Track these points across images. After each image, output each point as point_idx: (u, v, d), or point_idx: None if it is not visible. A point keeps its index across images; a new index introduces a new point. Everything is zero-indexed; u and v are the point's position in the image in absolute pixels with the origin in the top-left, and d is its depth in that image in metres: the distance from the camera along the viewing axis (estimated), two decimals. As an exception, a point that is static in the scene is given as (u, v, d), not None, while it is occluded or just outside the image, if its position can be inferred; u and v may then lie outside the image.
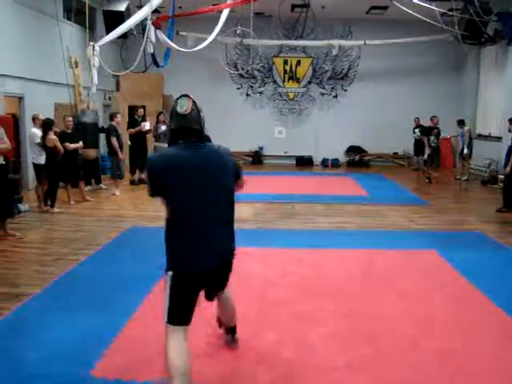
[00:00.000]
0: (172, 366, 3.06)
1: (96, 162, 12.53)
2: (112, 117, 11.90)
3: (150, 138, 13.57)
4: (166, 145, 12.31)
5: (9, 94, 11.25)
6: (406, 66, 18.26)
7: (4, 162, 7.57)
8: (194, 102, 3.16)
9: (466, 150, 14.56)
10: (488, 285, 5.66)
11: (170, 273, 3.13)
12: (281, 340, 4.28)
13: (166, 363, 3.11)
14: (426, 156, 14.39)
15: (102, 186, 12.44)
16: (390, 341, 4.29)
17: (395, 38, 16.29)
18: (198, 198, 3.08)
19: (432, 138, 14.22)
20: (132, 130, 12.82)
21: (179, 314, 3.16)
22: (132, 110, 14.27)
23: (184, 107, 3.12)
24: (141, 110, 13.31)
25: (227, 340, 4.13)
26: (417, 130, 15.78)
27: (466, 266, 6.34)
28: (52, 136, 9.42)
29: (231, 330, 4.08)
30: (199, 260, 3.11)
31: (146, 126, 12.90)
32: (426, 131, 14.55)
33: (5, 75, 10.86)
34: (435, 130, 14.25)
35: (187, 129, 3.13)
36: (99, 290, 5.43)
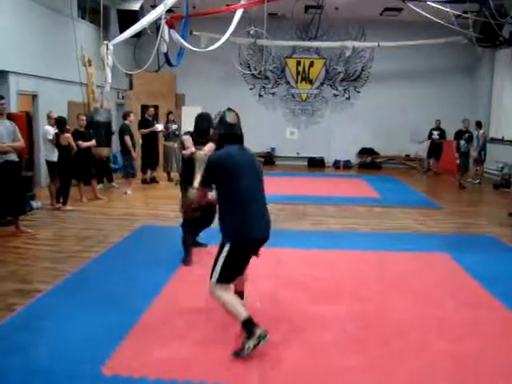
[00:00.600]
0: (233, 303, 4.06)
1: (108, 160, 12.60)
2: (125, 116, 11.96)
3: (160, 137, 13.68)
4: (175, 144, 12.37)
5: (23, 91, 11.33)
6: (420, 69, 18.15)
7: (18, 159, 7.62)
8: (236, 114, 4.22)
9: (475, 154, 14.36)
10: (500, 288, 5.62)
11: (229, 244, 3.99)
12: (292, 341, 4.28)
13: (228, 308, 4.05)
14: (458, 161, 13.91)
15: (114, 184, 12.49)
16: (401, 343, 4.28)
17: (409, 39, 16.20)
18: (251, 185, 4.05)
19: (462, 142, 13.77)
20: (145, 130, 12.88)
21: (231, 275, 4.12)
22: (145, 109, 14.35)
23: (232, 118, 4.17)
24: (151, 110, 13.45)
25: None
26: (436, 133, 15.70)
27: (477, 269, 6.30)
28: (66, 134, 9.49)
29: (240, 295, 4.59)
30: (259, 231, 4.07)
31: (159, 127, 13.09)
32: (456, 135, 14.13)
33: (19, 73, 10.93)
34: (466, 134, 13.88)
35: (234, 135, 4.16)
36: (111, 287, 5.45)
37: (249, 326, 3.94)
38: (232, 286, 4.30)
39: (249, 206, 3.99)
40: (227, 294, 4.11)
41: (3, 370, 3.67)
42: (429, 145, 16.19)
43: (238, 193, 3.96)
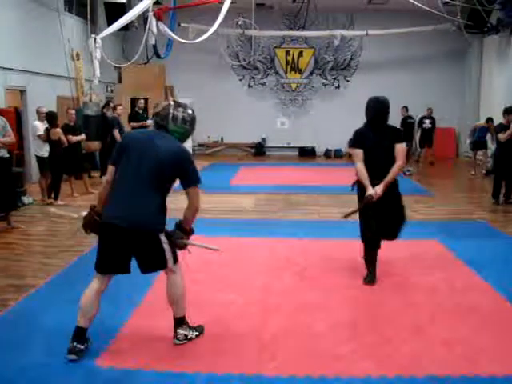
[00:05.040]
0: (83, 301, 3.85)
1: (100, 153, 12.55)
2: (113, 108, 11.86)
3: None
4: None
5: (11, 86, 11.25)
6: (408, 56, 18.19)
7: (8, 155, 7.59)
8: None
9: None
10: (491, 274, 5.66)
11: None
12: (285, 329, 4.30)
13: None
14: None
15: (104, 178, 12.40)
16: (393, 329, 4.31)
17: (397, 28, 16.23)
18: (135, 171, 3.73)
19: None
20: (135, 124, 12.83)
21: (98, 259, 3.87)
22: (134, 101, 14.28)
23: (157, 107, 4.04)
24: (141, 102, 13.37)
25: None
26: (427, 121, 15.58)
27: (469, 255, 6.34)
28: (57, 129, 9.45)
29: (175, 322, 4.06)
30: (115, 212, 3.75)
31: (149, 121, 13.05)
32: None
33: (6, 68, 10.85)
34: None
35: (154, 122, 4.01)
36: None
37: (76, 331, 3.78)
38: (100, 287, 3.85)
39: (121, 187, 3.76)
40: (89, 288, 3.85)
41: (-2, 365, 3.68)
42: (420, 134, 15.97)
43: (120, 172, 3.78)
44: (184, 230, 3.89)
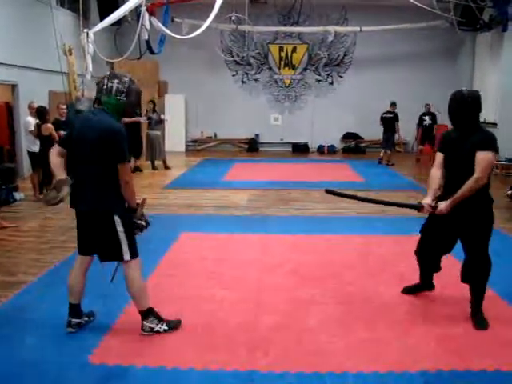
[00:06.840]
0: (69, 282, 4.20)
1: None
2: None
3: (143, 125, 13.68)
4: (158, 132, 12.25)
5: (2, 81, 11.17)
6: (402, 53, 18.19)
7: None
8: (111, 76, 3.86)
9: None
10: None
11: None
12: (278, 325, 4.30)
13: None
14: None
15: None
16: (387, 325, 4.32)
17: (391, 24, 16.20)
18: (79, 154, 3.93)
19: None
20: (127, 119, 12.76)
21: (77, 241, 4.15)
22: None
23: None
24: None
25: None
26: (427, 118, 15.52)
27: (460, 251, 6.34)
28: (48, 124, 9.38)
29: (140, 314, 4.12)
30: (76, 199, 4.01)
31: (141, 119, 13.04)
32: None
33: (-2, 62, 10.78)
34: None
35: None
36: (97, 277, 5.41)
37: (69, 308, 4.13)
38: (79, 269, 4.18)
39: (75, 173, 3.97)
40: (73, 268, 4.18)
41: (-10, 361, 3.66)
42: (421, 131, 15.80)
43: (71, 158, 3.98)
44: (132, 209, 3.97)
